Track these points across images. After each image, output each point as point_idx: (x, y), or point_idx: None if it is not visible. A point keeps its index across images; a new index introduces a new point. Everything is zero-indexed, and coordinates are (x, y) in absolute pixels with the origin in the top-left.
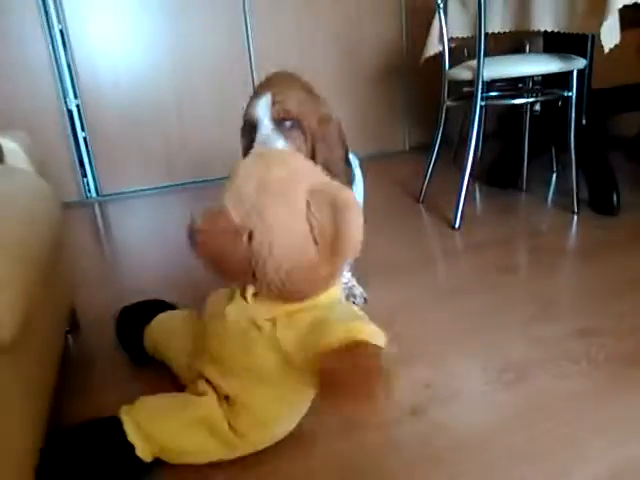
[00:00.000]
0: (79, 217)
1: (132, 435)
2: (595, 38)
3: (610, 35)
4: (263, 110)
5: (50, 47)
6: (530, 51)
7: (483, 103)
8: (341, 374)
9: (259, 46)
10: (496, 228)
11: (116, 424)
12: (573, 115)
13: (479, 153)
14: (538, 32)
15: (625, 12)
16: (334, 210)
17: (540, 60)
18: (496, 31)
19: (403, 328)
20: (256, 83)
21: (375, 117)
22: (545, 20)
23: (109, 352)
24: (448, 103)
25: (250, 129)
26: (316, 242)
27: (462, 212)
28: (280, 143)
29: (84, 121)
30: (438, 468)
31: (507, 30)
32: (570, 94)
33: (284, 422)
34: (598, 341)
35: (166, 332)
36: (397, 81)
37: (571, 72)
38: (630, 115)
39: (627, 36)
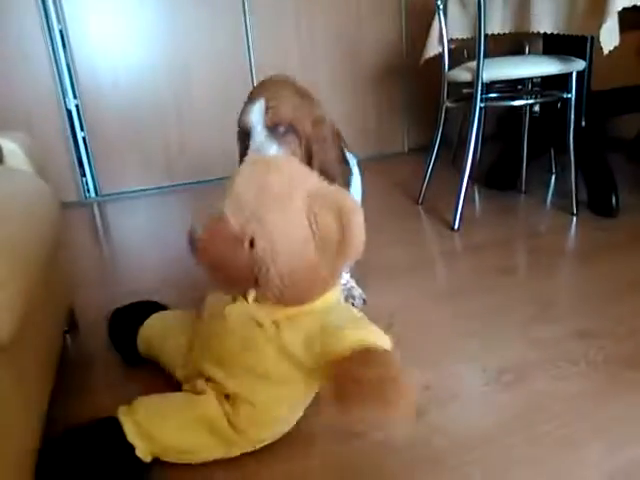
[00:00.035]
0: (78, 217)
1: (132, 435)
2: (594, 40)
3: (609, 37)
4: (256, 117)
5: (50, 47)
6: (530, 53)
7: (482, 104)
8: (359, 383)
9: (259, 47)
10: (495, 229)
11: (115, 425)
12: (572, 117)
13: (478, 154)
14: (538, 34)
15: (624, 14)
16: (338, 214)
17: (539, 62)
18: (496, 32)
19: (402, 329)
20: (255, 83)
21: (374, 118)
22: (545, 22)
23: (107, 352)
24: (447, 104)
25: (244, 136)
26: (317, 246)
27: (461, 213)
28: (274, 149)
29: (83, 121)
30: (437, 469)
31: (507, 31)
32: (569, 96)
33: (283, 421)
34: (597, 342)
35: (160, 332)
36: (397, 82)
37: (570, 74)
38: (629, 117)
39: (626, 38)
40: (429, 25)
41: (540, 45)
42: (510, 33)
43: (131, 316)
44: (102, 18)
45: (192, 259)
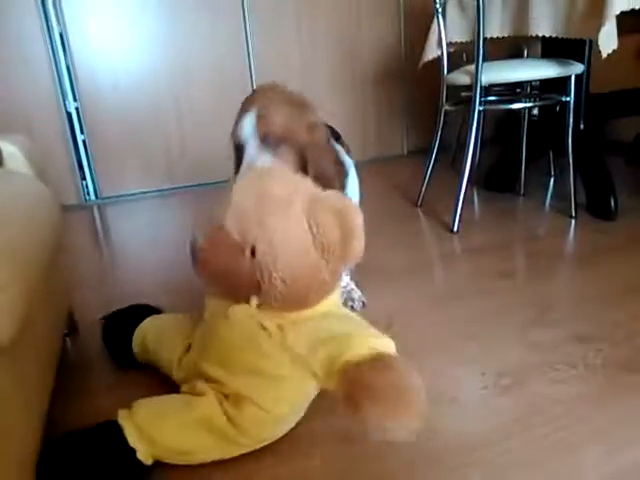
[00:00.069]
0: (78, 220)
1: (133, 439)
2: (593, 43)
3: (608, 40)
4: (248, 130)
5: (50, 50)
6: (528, 56)
7: (481, 108)
8: (370, 389)
9: (259, 50)
10: (494, 232)
11: (115, 428)
12: (571, 120)
13: (477, 157)
14: (536, 37)
15: (623, 18)
16: (338, 216)
17: (538, 65)
18: (494, 36)
19: (401, 332)
20: (255, 86)
21: (373, 121)
22: (543, 25)
23: (107, 355)
24: (446, 107)
25: (238, 149)
26: (317, 248)
27: (460, 216)
28: (267, 160)
29: (83, 124)
30: (437, 470)
31: (505, 35)
32: (568, 99)
33: (285, 420)
34: (596, 346)
35: (155, 335)
36: (396, 85)
37: (569, 77)
38: (628, 120)
39: (625, 41)
40: (428, 28)
41: (539, 48)
42: (509, 36)
43: (124, 320)
44: (102, 20)
45: (193, 270)
